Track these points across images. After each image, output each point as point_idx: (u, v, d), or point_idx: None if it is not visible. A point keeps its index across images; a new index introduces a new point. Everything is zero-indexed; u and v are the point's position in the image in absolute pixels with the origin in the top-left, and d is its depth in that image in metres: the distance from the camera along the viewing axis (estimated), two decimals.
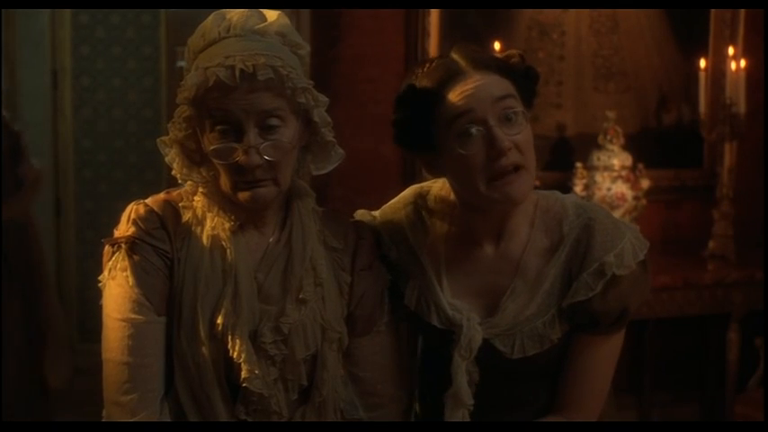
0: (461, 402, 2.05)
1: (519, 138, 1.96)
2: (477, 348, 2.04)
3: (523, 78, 2.03)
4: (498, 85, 1.97)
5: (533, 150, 2.00)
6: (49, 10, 5.84)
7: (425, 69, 2.03)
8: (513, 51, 2.07)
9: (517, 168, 1.95)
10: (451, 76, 1.98)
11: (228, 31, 1.89)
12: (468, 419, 2.06)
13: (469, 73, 1.97)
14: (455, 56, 2.02)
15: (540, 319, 2.03)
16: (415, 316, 2.12)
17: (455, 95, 1.96)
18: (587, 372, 2.07)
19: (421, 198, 2.20)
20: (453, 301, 2.08)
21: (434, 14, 4.46)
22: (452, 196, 2.14)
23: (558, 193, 2.14)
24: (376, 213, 2.24)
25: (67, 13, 5.85)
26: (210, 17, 1.92)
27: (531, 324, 2.03)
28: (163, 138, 1.96)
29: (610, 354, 2.09)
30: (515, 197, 1.97)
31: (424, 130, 2.02)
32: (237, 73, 1.81)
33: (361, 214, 2.24)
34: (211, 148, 1.87)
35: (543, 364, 2.07)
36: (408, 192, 2.24)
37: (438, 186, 2.20)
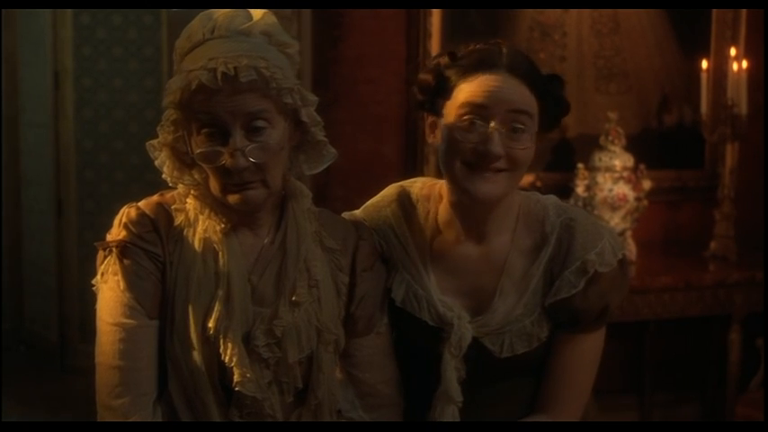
0: (451, 399, 2.06)
1: (517, 153, 1.98)
2: (466, 346, 2.06)
3: (552, 105, 2.05)
4: (523, 97, 1.99)
5: (524, 170, 2.03)
6: (50, 10, 5.83)
7: (471, 48, 2.05)
8: (560, 77, 2.09)
9: (499, 171, 1.98)
10: (487, 64, 2.00)
11: (213, 32, 1.87)
12: (458, 417, 2.07)
13: (503, 71, 1.99)
14: (503, 49, 2.02)
15: (528, 319, 2.06)
16: (400, 311, 2.12)
17: (479, 83, 1.99)
18: (569, 369, 2.09)
19: (404, 196, 2.21)
20: (443, 298, 2.09)
21: (436, 15, 4.45)
22: (433, 195, 2.17)
23: (537, 194, 2.17)
24: (358, 212, 2.24)
25: (69, 13, 5.83)
26: (197, 18, 1.91)
27: (520, 323, 2.06)
28: (152, 141, 1.96)
29: (591, 351, 2.11)
30: (482, 195, 2.00)
31: (438, 95, 2.05)
32: (219, 76, 1.79)
33: (346, 216, 2.22)
34: (198, 151, 1.86)
35: (530, 362, 2.09)
36: (391, 190, 2.25)
37: (418, 186, 2.22)
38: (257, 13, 1.92)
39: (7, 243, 6.51)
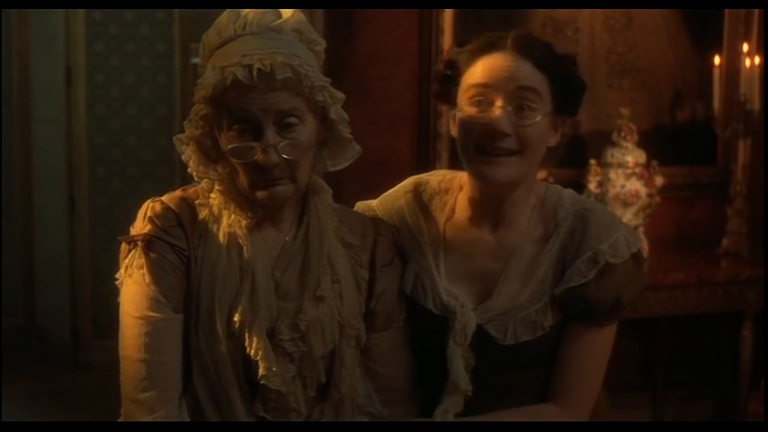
0: (458, 389, 2.07)
1: (526, 131, 2.00)
2: (471, 334, 2.07)
3: (564, 83, 2.06)
4: (528, 74, 2.01)
5: (540, 150, 2.06)
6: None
7: (482, 36, 2.09)
8: (573, 55, 2.12)
9: (512, 153, 2.01)
10: (490, 45, 2.04)
11: (245, 28, 1.88)
12: (461, 407, 2.07)
13: (507, 51, 2.02)
14: (510, 33, 2.05)
15: (534, 307, 2.07)
16: (410, 300, 2.14)
17: (482, 64, 2.03)
18: (579, 362, 2.09)
19: (421, 186, 2.24)
20: (449, 287, 2.11)
21: (448, 11, 4.45)
22: (453, 187, 2.20)
23: (558, 186, 2.18)
24: (375, 202, 2.27)
25: (81, 10, 5.85)
26: (225, 14, 1.92)
27: (525, 311, 2.06)
28: (179, 135, 1.96)
29: (602, 345, 2.11)
30: (497, 179, 2.03)
31: (451, 84, 2.09)
32: (255, 72, 1.80)
33: (360, 205, 2.26)
34: (230, 146, 1.87)
35: (535, 352, 2.09)
36: (408, 181, 2.28)
37: (437, 179, 2.25)
38: (286, 12, 1.93)
39: (19, 239, 6.54)
